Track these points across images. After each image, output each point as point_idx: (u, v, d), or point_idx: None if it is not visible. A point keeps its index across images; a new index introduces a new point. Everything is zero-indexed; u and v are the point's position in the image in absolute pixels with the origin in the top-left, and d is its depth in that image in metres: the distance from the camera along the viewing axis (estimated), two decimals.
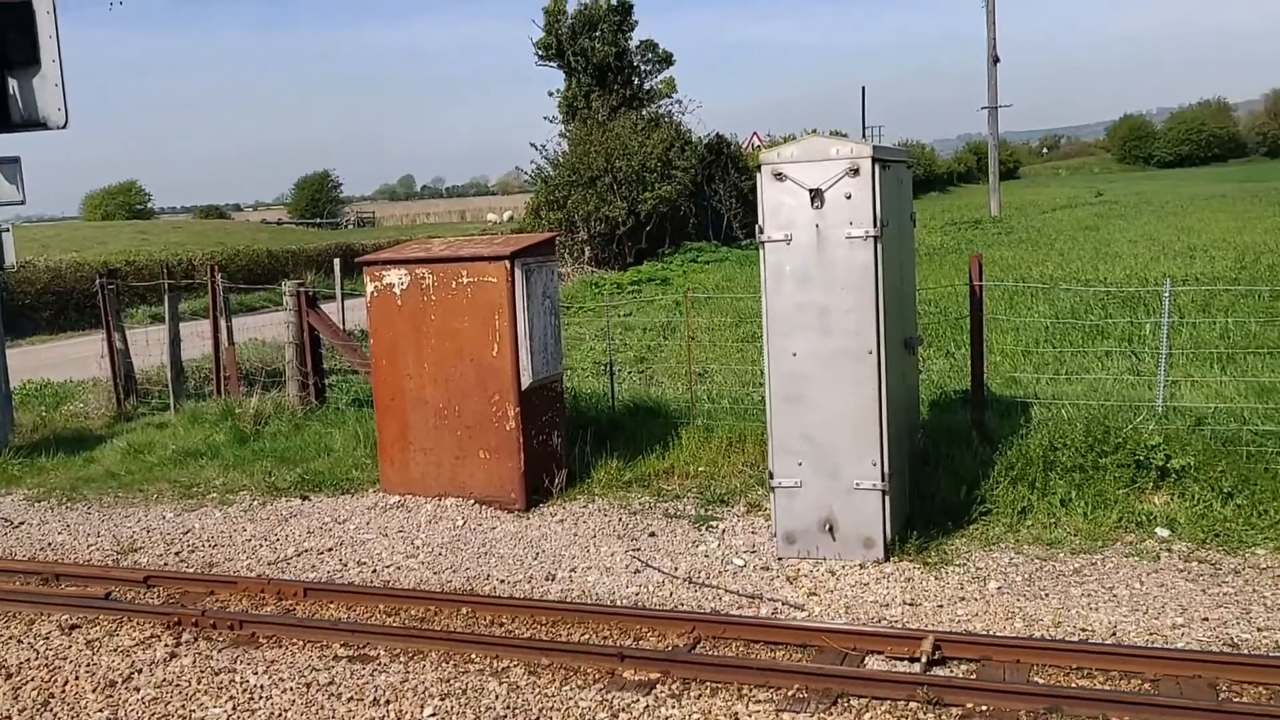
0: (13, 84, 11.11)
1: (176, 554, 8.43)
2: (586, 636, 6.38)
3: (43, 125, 11.24)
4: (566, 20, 37.68)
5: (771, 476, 7.30)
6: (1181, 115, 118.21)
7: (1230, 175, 72.12)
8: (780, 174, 7.05)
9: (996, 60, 43.41)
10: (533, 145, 36.13)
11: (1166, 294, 9.31)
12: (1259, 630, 5.93)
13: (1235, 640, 5.83)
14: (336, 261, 20.38)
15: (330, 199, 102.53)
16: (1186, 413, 8.90)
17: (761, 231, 7.13)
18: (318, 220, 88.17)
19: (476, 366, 8.83)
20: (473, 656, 6.13)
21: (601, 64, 37.39)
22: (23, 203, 11.81)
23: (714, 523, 8.20)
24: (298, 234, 58.38)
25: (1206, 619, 6.10)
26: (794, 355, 7.13)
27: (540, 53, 38.27)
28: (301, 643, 6.49)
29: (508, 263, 8.63)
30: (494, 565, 7.68)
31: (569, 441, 9.47)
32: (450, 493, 9.04)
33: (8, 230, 12.13)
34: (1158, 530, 7.37)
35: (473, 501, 8.92)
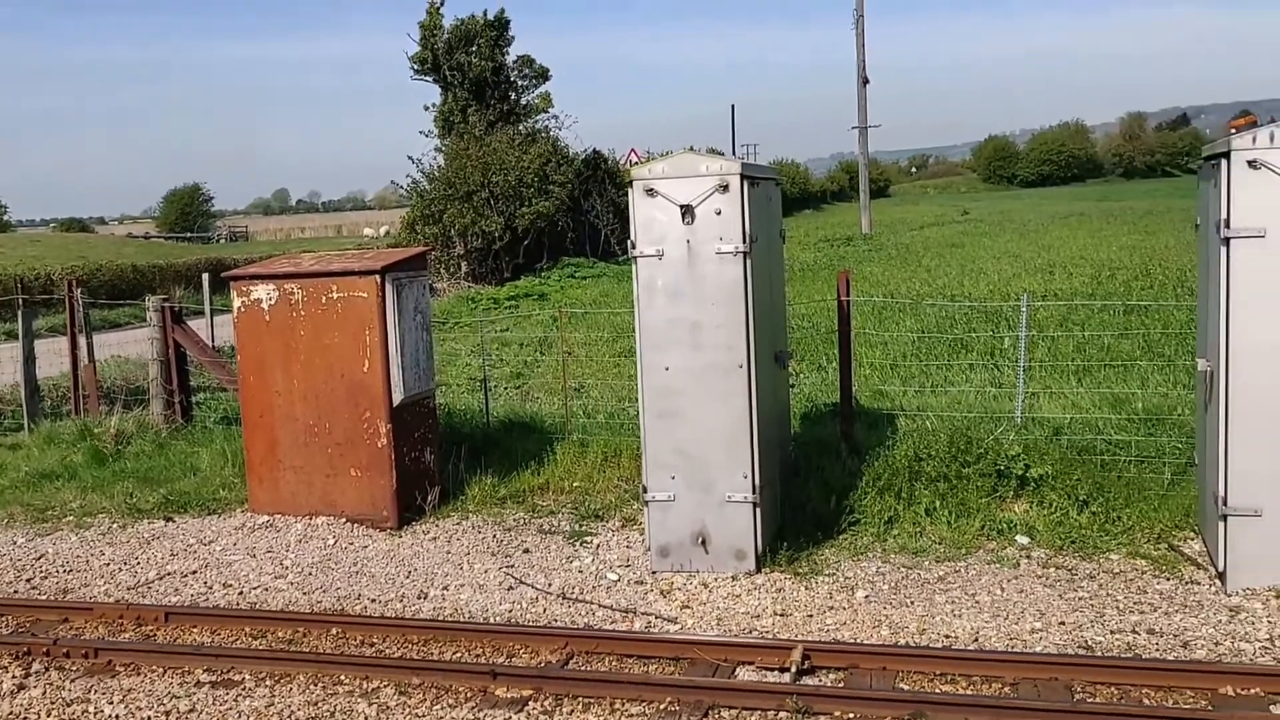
0: None
1: (28, 580, 8.08)
2: (458, 654, 6.31)
3: None
4: (443, 35, 37.42)
5: (645, 491, 7.33)
6: (1043, 137, 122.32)
7: (1088, 194, 74.92)
8: (652, 189, 7.10)
9: (866, 82, 44.45)
10: (409, 159, 35.77)
11: (1024, 309, 9.64)
12: (1112, 633, 6.16)
13: (1089, 643, 6.05)
14: (205, 276, 19.94)
15: (201, 213, 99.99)
16: (1045, 423, 9.21)
17: (634, 246, 7.17)
18: (188, 234, 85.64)
19: (347, 383, 8.69)
20: (342, 678, 6.01)
21: (478, 78, 37.22)
22: None
23: (589, 538, 8.19)
24: (166, 248, 56.53)
25: (1063, 623, 6.32)
26: (666, 370, 7.18)
27: (416, 67, 37.93)
28: (162, 669, 6.27)
29: (378, 277, 8.52)
30: (365, 584, 7.55)
31: (442, 458, 9.36)
32: (321, 511, 8.86)
33: None
34: (1018, 538, 7.60)
35: (344, 520, 8.76)
